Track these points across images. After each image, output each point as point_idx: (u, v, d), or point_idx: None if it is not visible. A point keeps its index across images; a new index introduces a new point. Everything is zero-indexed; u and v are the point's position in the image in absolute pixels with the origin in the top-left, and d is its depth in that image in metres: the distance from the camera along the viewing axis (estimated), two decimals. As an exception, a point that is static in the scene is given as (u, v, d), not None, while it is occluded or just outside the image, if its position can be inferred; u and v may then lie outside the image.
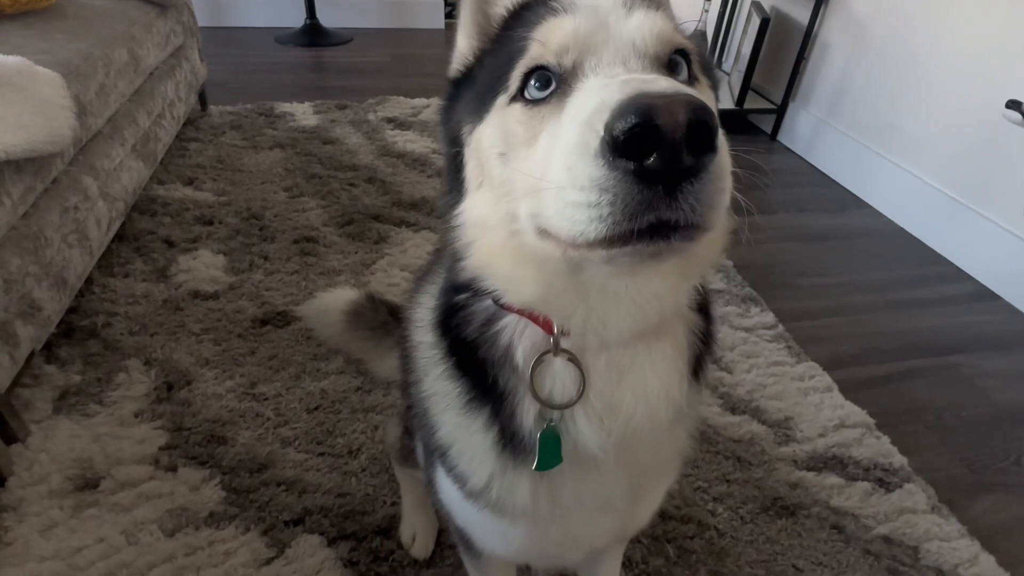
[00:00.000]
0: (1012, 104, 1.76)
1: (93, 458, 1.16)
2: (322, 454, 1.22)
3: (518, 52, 0.48)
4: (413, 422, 0.81)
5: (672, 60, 0.47)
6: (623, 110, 0.34)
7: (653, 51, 0.45)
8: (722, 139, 0.38)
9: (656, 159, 0.34)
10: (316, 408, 1.31)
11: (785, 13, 2.70)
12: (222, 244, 1.78)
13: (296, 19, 3.75)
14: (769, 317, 1.66)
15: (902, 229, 2.20)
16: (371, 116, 2.65)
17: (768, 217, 2.23)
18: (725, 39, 3.10)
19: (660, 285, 0.50)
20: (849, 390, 1.46)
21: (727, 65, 3.13)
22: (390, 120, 2.61)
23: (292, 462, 1.19)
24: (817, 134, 2.59)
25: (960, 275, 1.97)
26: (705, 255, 0.53)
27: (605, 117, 0.35)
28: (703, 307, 0.59)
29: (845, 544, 1.12)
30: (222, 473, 1.16)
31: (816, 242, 2.10)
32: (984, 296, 1.88)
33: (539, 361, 0.53)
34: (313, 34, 3.68)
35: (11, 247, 1.17)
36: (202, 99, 2.54)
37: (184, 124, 2.35)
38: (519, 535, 0.63)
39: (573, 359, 0.53)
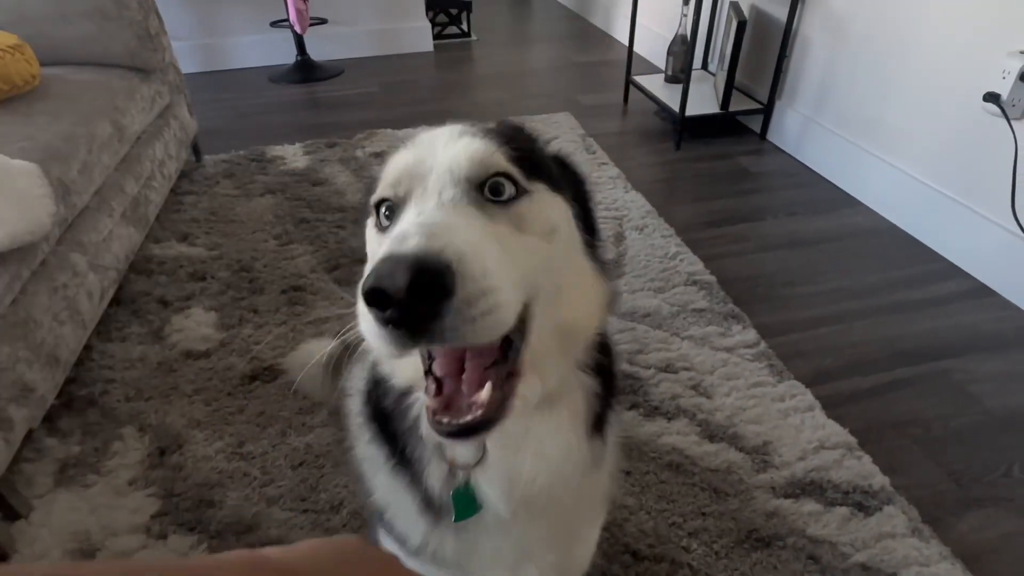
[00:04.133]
0: (989, 97, 1.71)
1: (90, 530, 1.23)
2: (305, 511, 1.26)
3: (375, 185, 0.56)
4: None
5: (494, 182, 0.51)
6: (370, 272, 0.40)
7: (466, 176, 0.50)
8: (477, 269, 0.42)
9: (391, 311, 0.40)
10: (300, 464, 1.36)
11: (764, 11, 2.66)
12: (213, 300, 1.85)
13: (288, 56, 3.83)
14: (751, 335, 1.65)
15: (894, 226, 2.16)
16: (359, 152, 2.70)
17: (755, 225, 2.21)
18: (708, 41, 3.07)
19: (543, 359, 0.54)
20: (832, 406, 1.45)
21: (712, 67, 3.11)
22: (377, 155, 2.66)
23: (276, 521, 1.24)
24: (805, 132, 2.56)
25: (954, 271, 1.93)
26: (579, 332, 0.59)
27: (363, 284, 0.42)
28: (601, 366, 0.63)
29: (821, 574, 1.12)
30: (210, 538, 1.21)
31: (806, 247, 2.08)
32: (979, 292, 1.84)
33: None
34: (305, 70, 3.76)
35: None
36: (195, 150, 2.62)
37: (180, 177, 2.44)
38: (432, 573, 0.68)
39: None
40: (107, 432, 1.44)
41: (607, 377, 0.63)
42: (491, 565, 0.66)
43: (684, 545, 1.17)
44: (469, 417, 0.46)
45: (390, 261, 0.39)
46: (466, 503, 0.60)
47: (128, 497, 1.29)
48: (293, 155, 2.72)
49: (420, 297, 0.39)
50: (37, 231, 1.30)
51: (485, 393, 0.47)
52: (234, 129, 3.06)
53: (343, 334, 0.52)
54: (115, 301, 1.82)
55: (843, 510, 1.21)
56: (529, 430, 0.58)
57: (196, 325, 1.75)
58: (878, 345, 1.66)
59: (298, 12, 3.31)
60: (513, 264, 0.47)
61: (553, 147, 0.67)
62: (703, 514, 1.22)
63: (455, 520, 0.60)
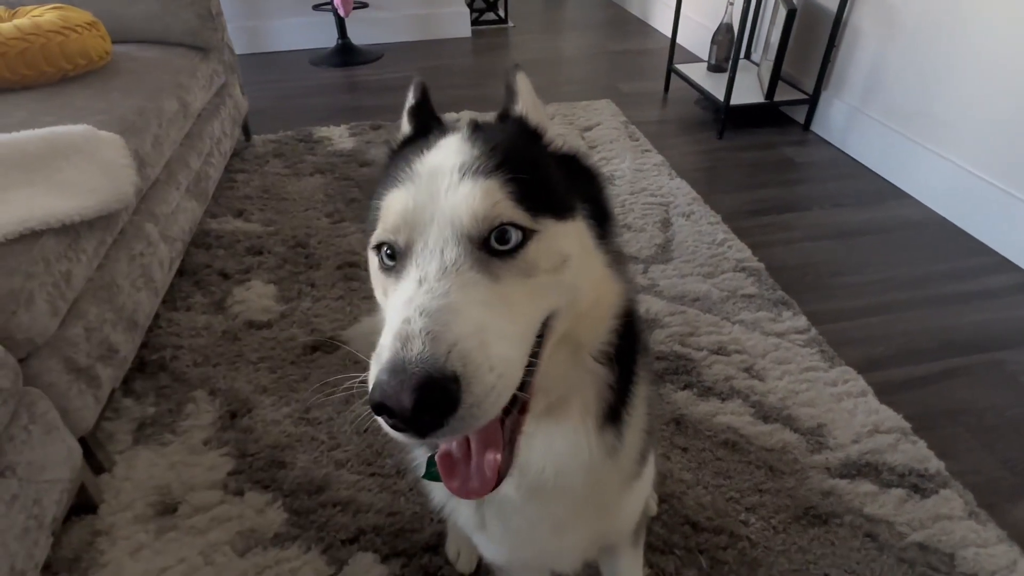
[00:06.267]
0: (1052, 89, 1.70)
1: (170, 484, 1.29)
2: (372, 475, 1.31)
3: (375, 219, 0.54)
4: None
5: (501, 231, 0.49)
6: (375, 385, 0.41)
7: (468, 234, 0.49)
8: (484, 366, 0.42)
9: (397, 420, 0.41)
10: (366, 431, 1.41)
11: (813, 1, 2.64)
12: (272, 274, 1.90)
13: (329, 40, 3.88)
14: (802, 321, 1.67)
15: (944, 219, 2.15)
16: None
17: (801, 214, 2.21)
18: (752, 31, 3.06)
19: (553, 372, 0.55)
20: (884, 393, 1.47)
21: (756, 56, 3.09)
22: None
23: (346, 483, 1.29)
24: (852, 123, 2.54)
25: (1006, 265, 1.92)
26: (589, 336, 0.58)
27: (371, 380, 0.42)
28: (620, 353, 0.61)
29: (879, 552, 1.14)
30: (284, 496, 1.27)
31: (852, 238, 2.08)
32: (1031, 286, 1.83)
33: None
34: (345, 53, 3.80)
35: (88, 298, 1.30)
36: (245, 130, 2.68)
37: (231, 156, 2.50)
38: (491, 545, 0.72)
39: None
40: (179, 395, 1.50)
41: (627, 364, 0.62)
42: (531, 538, 0.69)
43: (743, 519, 1.20)
44: (478, 484, 0.49)
45: (395, 377, 0.40)
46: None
47: (204, 456, 1.36)
48: (339, 136, 2.77)
49: (426, 416, 0.40)
50: (122, 199, 1.35)
51: (492, 460, 0.49)
52: (278, 110, 3.11)
53: None
54: (179, 272, 1.88)
55: (899, 491, 1.24)
56: (538, 428, 0.59)
57: (257, 297, 1.81)
58: (929, 335, 1.67)
59: (343, -5, 3.35)
60: (518, 321, 0.48)
61: (558, 142, 0.63)
62: (760, 491, 1.25)
63: (423, 477, 0.63)
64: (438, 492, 0.72)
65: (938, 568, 1.11)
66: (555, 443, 0.61)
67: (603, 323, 0.59)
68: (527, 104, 0.62)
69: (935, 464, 1.29)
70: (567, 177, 0.58)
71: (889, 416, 1.40)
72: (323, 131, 2.81)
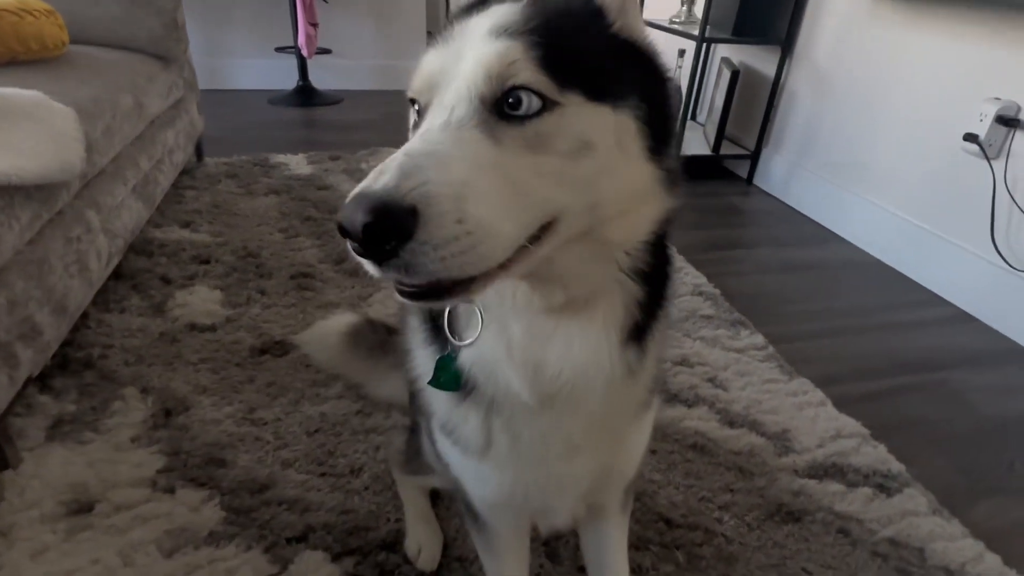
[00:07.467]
0: (969, 137, 1.88)
1: (88, 482, 1.14)
2: (324, 474, 1.20)
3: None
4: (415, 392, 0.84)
5: (514, 95, 0.47)
6: (343, 205, 0.42)
7: (482, 91, 0.47)
8: (450, 212, 0.42)
9: (355, 245, 0.42)
10: (316, 431, 1.30)
11: (752, 66, 2.89)
12: (219, 280, 1.80)
13: (288, 82, 3.90)
14: (759, 339, 1.70)
15: (879, 260, 2.29)
16: (363, 166, 2.73)
17: (749, 251, 2.31)
18: (699, 91, 3.29)
19: (573, 266, 0.53)
20: (842, 405, 1.49)
21: (701, 116, 3.31)
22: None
23: (293, 482, 1.18)
24: (791, 176, 2.73)
25: (938, 300, 2.05)
26: (619, 243, 0.55)
27: None
28: (652, 272, 0.59)
29: (852, 547, 1.12)
30: (222, 494, 1.14)
31: (798, 272, 2.18)
32: (962, 319, 1.95)
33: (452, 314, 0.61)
34: (305, 95, 3.83)
35: (16, 270, 1.18)
36: (198, 150, 2.61)
37: (180, 174, 2.41)
38: (493, 476, 0.67)
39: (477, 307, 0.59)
40: (106, 392, 1.35)
41: (657, 284, 0.60)
42: (542, 457, 0.65)
43: (716, 516, 1.16)
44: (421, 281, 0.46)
45: (355, 200, 0.41)
46: (448, 372, 0.61)
47: (130, 453, 1.21)
48: (297, 163, 2.73)
49: (376, 238, 0.41)
50: (67, 170, 1.26)
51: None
52: (234, 139, 3.06)
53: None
54: (116, 275, 1.75)
55: (866, 490, 1.23)
56: (558, 326, 0.57)
57: (201, 301, 1.70)
58: (879, 356, 1.73)
59: (308, 37, 3.41)
60: (515, 196, 0.46)
61: (631, 28, 0.55)
62: (731, 490, 1.22)
63: (429, 383, 0.62)
64: (440, 406, 0.67)
65: (911, 561, 1.10)
66: (574, 347, 0.57)
67: (636, 232, 0.55)
68: None
69: (896, 466, 1.30)
70: (623, 65, 0.53)
71: (849, 423, 1.41)
72: (280, 158, 2.77)
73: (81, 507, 1.09)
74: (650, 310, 0.60)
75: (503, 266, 0.47)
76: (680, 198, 0.58)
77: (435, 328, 0.63)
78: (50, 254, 1.29)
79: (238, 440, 1.26)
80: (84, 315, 1.57)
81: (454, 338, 0.60)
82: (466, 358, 0.60)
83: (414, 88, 0.52)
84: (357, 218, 0.40)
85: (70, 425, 1.27)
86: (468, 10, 0.55)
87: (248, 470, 1.19)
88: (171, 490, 1.14)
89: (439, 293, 0.45)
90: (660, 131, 0.54)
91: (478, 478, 0.70)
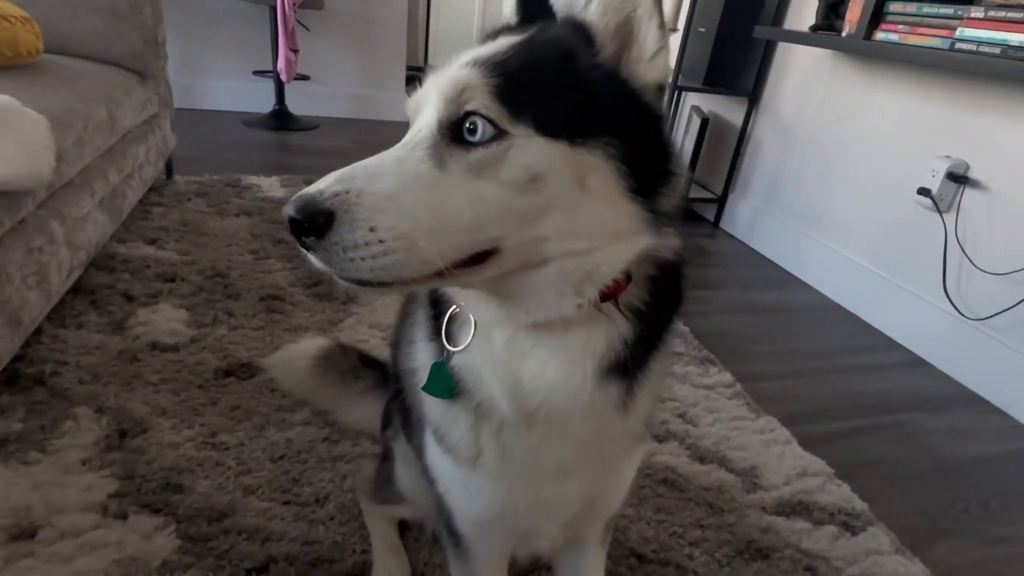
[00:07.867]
0: (922, 191, 1.99)
1: (31, 506, 1.07)
2: (287, 503, 1.16)
3: None
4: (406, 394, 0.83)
5: (468, 122, 0.49)
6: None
7: (440, 115, 0.51)
8: (364, 219, 0.47)
9: (290, 231, 0.48)
10: (281, 457, 1.26)
11: (721, 115, 3.02)
12: (184, 300, 1.75)
13: (264, 105, 3.89)
14: (727, 376, 1.73)
15: (838, 304, 2.38)
16: (338, 191, 2.72)
17: (716, 292, 2.37)
18: (669, 138, 3.40)
19: (532, 292, 0.55)
20: (806, 444, 1.52)
21: (671, 161, 3.42)
22: (357, 195, 2.69)
23: (255, 510, 1.13)
24: (755, 221, 2.83)
25: (893, 345, 2.13)
26: (583, 269, 0.53)
27: None
28: (651, 310, 0.58)
29: (819, 585, 1.13)
30: (177, 521, 1.08)
31: (762, 314, 2.24)
32: (916, 363, 2.03)
33: (453, 315, 0.63)
34: (281, 119, 3.82)
35: (-29, 279, 1.13)
36: (168, 168, 2.56)
37: (149, 190, 2.36)
38: (484, 490, 0.67)
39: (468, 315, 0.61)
40: (56, 411, 1.28)
41: (653, 322, 0.58)
42: (533, 473, 0.65)
43: (687, 553, 1.16)
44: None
45: (295, 197, 0.48)
46: (440, 377, 0.62)
47: (79, 476, 1.14)
48: (270, 185, 2.70)
49: (298, 232, 0.47)
50: (35, 178, 1.22)
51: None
52: (207, 159, 3.02)
53: None
54: (74, 290, 1.68)
55: (831, 528, 1.25)
56: (536, 345, 0.57)
57: (164, 320, 1.64)
58: (838, 398, 1.78)
59: (288, 62, 3.42)
60: (446, 218, 0.48)
61: (627, 65, 0.53)
62: (701, 526, 1.22)
63: (423, 388, 0.64)
64: (432, 407, 0.67)
65: (876, 600, 1.11)
66: (548, 369, 0.57)
67: (607, 268, 0.53)
68: (607, 7, 0.53)
69: (860, 505, 1.33)
70: (597, 101, 0.51)
71: (814, 461, 1.44)
72: (252, 179, 2.73)
73: (23, 532, 1.02)
74: (643, 347, 0.58)
75: (439, 274, 0.50)
76: (672, 237, 0.57)
77: (439, 325, 0.65)
78: (8, 264, 1.24)
79: (197, 465, 1.21)
80: (38, 330, 1.49)
81: (449, 343, 0.62)
82: (457, 362, 0.61)
83: (407, 110, 0.56)
84: (288, 211, 0.47)
85: (15, 444, 1.19)
86: (483, 40, 0.57)
87: (207, 496, 1.14)
88: (123, 516, 1.07)
89: (361, 283, 0.49)
90: (648, 170, 0.52)
91: (468, 492, 0.68)
